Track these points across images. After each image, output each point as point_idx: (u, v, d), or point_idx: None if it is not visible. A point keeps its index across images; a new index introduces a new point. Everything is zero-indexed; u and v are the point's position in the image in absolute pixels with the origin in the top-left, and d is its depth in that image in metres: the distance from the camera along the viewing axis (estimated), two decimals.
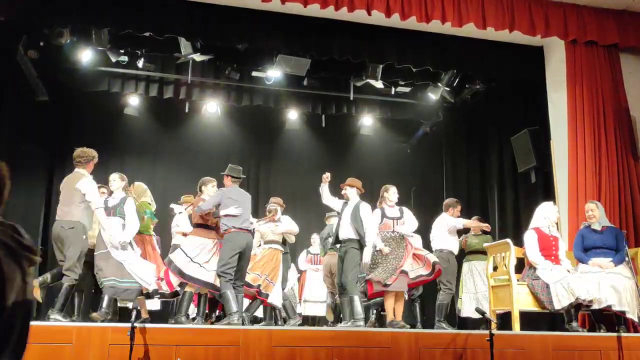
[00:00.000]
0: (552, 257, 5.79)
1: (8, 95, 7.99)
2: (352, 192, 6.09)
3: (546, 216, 5.98)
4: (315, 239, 8.71)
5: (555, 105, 7.55)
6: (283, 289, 7.03)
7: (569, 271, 5.72)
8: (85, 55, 8.35)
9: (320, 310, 8.41)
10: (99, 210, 5.51)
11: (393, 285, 5.65)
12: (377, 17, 6.85)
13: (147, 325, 4.49)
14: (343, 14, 6.86)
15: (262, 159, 10.62)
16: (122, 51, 8.28)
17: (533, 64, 7.78)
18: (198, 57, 8.25)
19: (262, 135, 10.67)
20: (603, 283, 5.52)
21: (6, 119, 7.99)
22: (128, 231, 5.63)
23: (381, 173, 9.69)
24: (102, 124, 9.75)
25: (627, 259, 5.61)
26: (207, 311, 6.46)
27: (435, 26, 7.03)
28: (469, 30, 7.13)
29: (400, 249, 5.83)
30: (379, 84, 8.68)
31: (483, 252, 7.16)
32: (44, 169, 9.16)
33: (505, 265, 5.96)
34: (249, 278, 6.21)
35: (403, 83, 9.30)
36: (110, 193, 6.03)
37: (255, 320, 7.15)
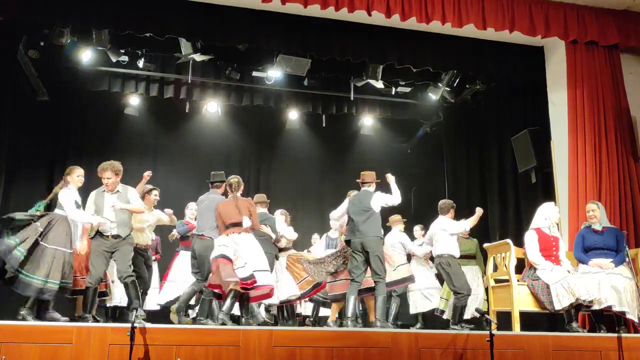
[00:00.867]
0: (553, 258, 5.79)
1: (9, 94, 7.99)
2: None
3: (547, 217, 5.98)
4: (315, 238, 8.72)
5: (555, 105, 7.55)
6: None
7: (569, 272, 5.72)
8: (86, 55, 8.37)
9: (320, 310, 8.39)
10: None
11: None
12: (378, 18, 6.85)
13: (147, 325, 4.50)
14: (343, 14, 6.86)
15: (263, 159, 10.63)
16: (122, 51, 8.30)
17: (533, 64, 7.79)
18: (198, 57, 8.27)
19: (263, 135, 10.68)
20: (603, 283, 5.52)
21: (7, 119, 7.99)
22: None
23: (381, 173, 9.67)
24: (102, 124, 9.78)
25: (627, 259, 5.60)
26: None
27: (435, 26, 7.03)
28: (469, 30, 7.13)
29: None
30: (379, 84, 8.69)
31: (472, 257, 7.15)
32: (45, 169, 9.16)
33: (505, 265, 5.97)
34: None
35: (403, 83, 9.32)
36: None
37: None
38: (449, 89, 9.23)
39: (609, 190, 6.88)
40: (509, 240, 6.10)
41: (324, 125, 10.11)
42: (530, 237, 5.91)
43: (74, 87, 9.03)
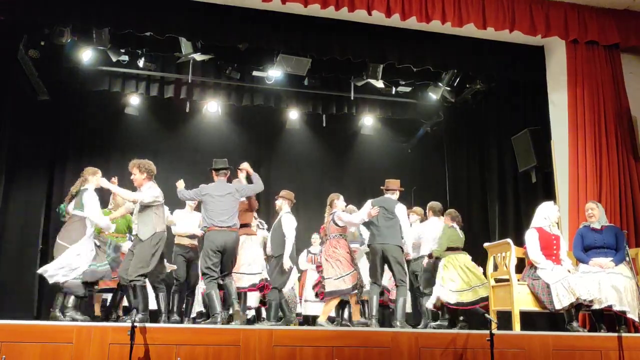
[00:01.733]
0: (553, 257, 5.78)
1: (9, 94, 8.00)
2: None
3: (547, 216, 5.97)
4: (315, 238, 8.71)
5: (555, 105, 7.55)
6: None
7: (569, 271, 5.72)
8: (86, 55, 8.37)
9: (320, 310, 8.38)
10: None
11: None
12: (378, 17, 6.85)
13: (147, 325, 4.50)
14: (343, 14, 6.86)
15: (263, 159, 10.62)
16: (122, 51, 8.30)
17: (533, 64, 7.78)
18: (199, 57, 8.27)
19: (263, 134, 10.68)
20: (604, 283, 5.51)
21: (7, 118, 8.00)
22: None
23: (382, 173, 9.67)
24: (102, 123, 9.78)
25: (627, 258, 5.60)
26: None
27: (435, 26, 7.02)
28: (470, 30, 7.13)
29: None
30: (379, 84, 8.69)
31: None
32: (45, 169, 9.16)
33: (505, 265, 5.96)
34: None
35: (404, 83, 9.32)
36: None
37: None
38: (449, 89, 9.23)
39: (609, 190, 6.87)
40: (509, 240, 6.09)
41: (324, 125, 10.12)
42: (531, 236, 5.90)
43: (74, 87, 9.04)
